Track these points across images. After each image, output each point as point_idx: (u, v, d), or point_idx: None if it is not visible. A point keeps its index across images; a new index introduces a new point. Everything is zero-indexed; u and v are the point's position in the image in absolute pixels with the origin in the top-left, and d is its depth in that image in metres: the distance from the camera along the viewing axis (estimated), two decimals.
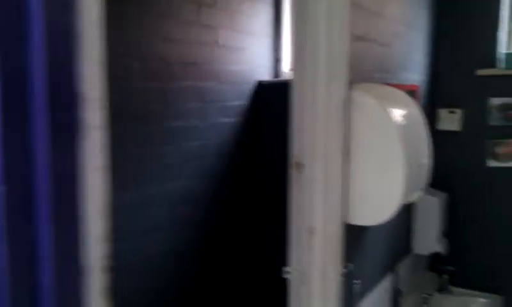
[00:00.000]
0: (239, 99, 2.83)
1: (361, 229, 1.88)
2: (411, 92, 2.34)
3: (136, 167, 2.23)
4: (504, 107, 2.65)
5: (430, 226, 2.64)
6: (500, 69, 2.65)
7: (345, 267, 1.70)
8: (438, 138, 2.58)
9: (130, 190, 2.19)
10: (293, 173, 1.60)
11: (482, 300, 2.72)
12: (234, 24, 2.73)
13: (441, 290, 2.75)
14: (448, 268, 2.74)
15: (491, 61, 2.68)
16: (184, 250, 2.52)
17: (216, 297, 2.73)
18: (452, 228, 2.80)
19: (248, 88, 2.88)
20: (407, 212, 2.51)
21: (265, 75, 3.00)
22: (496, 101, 2.66)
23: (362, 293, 1.97)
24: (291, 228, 1.62)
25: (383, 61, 2.12)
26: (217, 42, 2.63)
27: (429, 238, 2.64)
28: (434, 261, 2.80)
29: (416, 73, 2.58)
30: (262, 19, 2.94)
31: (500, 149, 2.68)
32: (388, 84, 2.01)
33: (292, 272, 1.62)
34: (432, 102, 2.79)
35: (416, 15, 2.54)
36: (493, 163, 2.71)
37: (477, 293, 2.76)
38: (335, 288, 1.63)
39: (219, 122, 2.70)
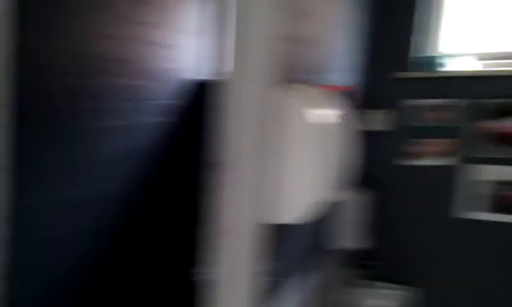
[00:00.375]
0: (176, 98, 2.83)
1: (286, 227, 1.93)
2: (343, 93, 2.43)
3: (63, 168, 2.18)
4: (423, 108, 2.83)
5: (356, 223, 2.76)
6: (423, 72, 2.82)
7: (269, 266, 1.73)
8: (367, 138, 2.71)
9: (52, 192, 2.13)
10: (215, 173, 1.62)
11: (403, 293, 2.86)
12: (172, 22, 2.73)
13: (366, 284, 2.87)
14: (373, 264, 2.88)
15: (414, 64, 2.85)
16: (100, 255, 2.48)
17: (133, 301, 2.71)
18: (378, 224, 2.95)
19: (184, 87, 2.88)
20: (334, 209, 2.60)
21: (205, 73, 3.02)
22: (417, 102, 2.83)
23: (287, 291, 2.02)
24: (211, 228, 1.64)
25: (314, 62, 2.18)
26: (153, 40, 2.62)
27: (355, 235, 2.76)
28: (361, 257, 2.92)
29: (347, 74, 2.69)
30: (202, 17, 2.96)
31: (419, 149, 2.86)
32: (318, 85, 2.07)
33: (210, 272, 1.64)
34: (362, 102, 2.92)
35: (349, 17, 2.64)
36: (412, 162, 2.88)
37: (400, 286, 2.90)
38: (258, 287, 1.67)
39: (153, 121, 2.69)
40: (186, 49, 2.88)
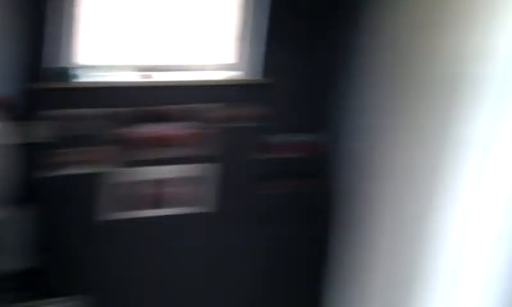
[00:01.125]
0: None
1: None
2: None
3: None
4: (73, 118, 2.81)
5: (18, 241, 2.61)
6: (70, 82, 2.79)
7: None
8: (18, 151, 2.57)
9: None
10: None
11: (74, 303, 2.87)
12: None
13: (35, 304, 2.74)
14: (39, 281, 2.76)
15: (63, 75, 2.78)
16: None
17: None
18: (41, 239, 2.82)
19: None
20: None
21: None
22: (66, 112, 2.79)
23: None
24: None
25: None
26: None
27: (17, 254, 2.61)
28: (25, 277, 2.74)
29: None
30: None
31: (70, 158, 2.86)
32: None
33: None
34: (14, 114, 2.69)
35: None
36: (63, 171, 2.85)
37: (70, 298, 2.88)
38: None
39: None
40: None
